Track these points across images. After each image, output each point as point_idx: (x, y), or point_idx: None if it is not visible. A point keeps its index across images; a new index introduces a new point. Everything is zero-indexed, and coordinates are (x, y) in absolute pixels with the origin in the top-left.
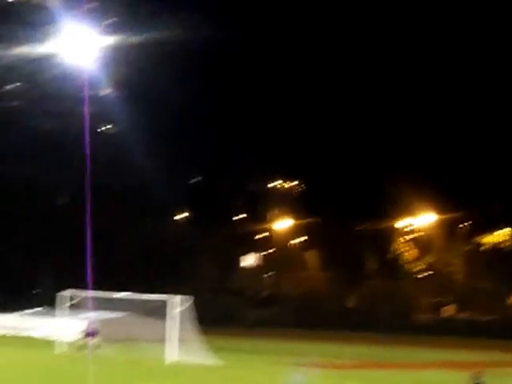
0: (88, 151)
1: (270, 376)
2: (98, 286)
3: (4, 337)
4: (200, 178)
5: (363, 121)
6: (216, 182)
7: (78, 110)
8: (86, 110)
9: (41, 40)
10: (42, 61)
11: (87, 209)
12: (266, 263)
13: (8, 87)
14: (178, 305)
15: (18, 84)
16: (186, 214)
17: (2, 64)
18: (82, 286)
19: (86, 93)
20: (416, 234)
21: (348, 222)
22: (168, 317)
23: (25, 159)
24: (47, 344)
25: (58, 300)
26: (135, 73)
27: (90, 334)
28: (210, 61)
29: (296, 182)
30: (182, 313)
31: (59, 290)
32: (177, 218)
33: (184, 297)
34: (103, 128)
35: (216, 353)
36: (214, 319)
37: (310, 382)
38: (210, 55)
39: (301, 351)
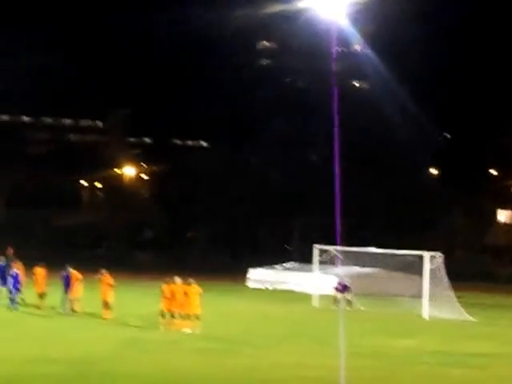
0: (336, 108)
1: None
2: (346, 244)
3: (260, 290)
4: (450, 135)
5: None
6: (467, 137)
7: (329, 66)
8: (335, 66)
9: None
10: (293, 18)
11: (335, 167)
12: None
13: (260, 45)
14: (431, 261)
15: (269, 43)
16: (437, 171)
17: (254, 23)
18: (332, 243)
19: (336, 49)
20: None
21: None
22: (422, 272)
23: (277, 116)
24: (303, 298)
25: (313, 255)
26: (385, 29)
27: (341, 288)
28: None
29: None
30: (434, 269)
31: (309, 247)
32: (428, 174)
33: (436, 253)
34: (354, 84)
35: (469, 309)
36: (468, 275)
37: None
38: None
39: None
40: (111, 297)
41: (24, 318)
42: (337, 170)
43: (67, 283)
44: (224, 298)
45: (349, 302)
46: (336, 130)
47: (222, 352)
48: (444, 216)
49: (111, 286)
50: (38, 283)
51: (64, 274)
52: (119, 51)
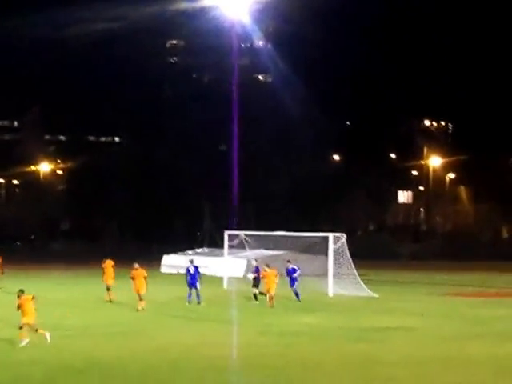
0: (236, 100)
1: (423, 306)
2: (255, 227)
3: (175, 275)
4: (352, 121)
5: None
6: (369, 123)
7: (233, 61)
8: (237, 61)
9: None
10: (199, 15)
11: (235, 154)
12: (419, 199)
13: (168, 43)
14: (334, 241)
15: (176, 41)
16: (340, 157)
17: (162, 21)
18: (240, 227)
19: (237, 45)
20: None
21: (500, 156)
22: (327, 253)
23: (187, 109)
24: (215, 281)
25: (224, 240)
26: (285, 25)
27: (252, 270)
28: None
29: (445, 122)
30: (338, 248)
31: (218, 232)
32: (332, 160)
33: (340, 234)
34: (258, 78)
35: (372, 286)
36: (370, 254)
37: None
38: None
39: (453, 282)
40: (144, 289)
41: None
42: (235, 158)
43: None
44: None
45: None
46: (235, 120)
47: (129, 334)
48: (346, 198)
49: (145, 278)
50: None
51: None
52: (30, 50)
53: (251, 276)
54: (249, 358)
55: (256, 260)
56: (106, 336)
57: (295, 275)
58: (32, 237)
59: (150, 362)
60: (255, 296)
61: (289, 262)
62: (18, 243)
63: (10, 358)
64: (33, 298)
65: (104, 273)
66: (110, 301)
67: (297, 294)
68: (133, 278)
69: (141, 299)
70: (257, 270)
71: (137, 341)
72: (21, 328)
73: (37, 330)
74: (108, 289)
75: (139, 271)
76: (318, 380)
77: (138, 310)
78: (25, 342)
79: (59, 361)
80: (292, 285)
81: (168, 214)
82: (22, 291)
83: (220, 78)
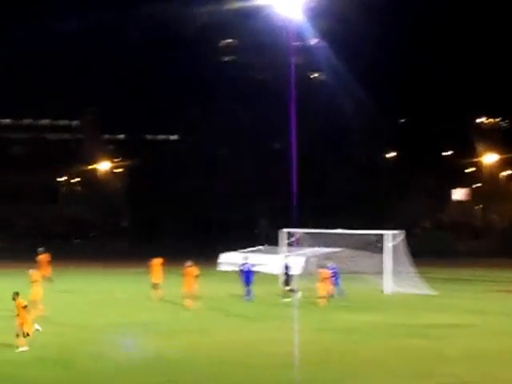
0: (293, 98)
1: (483, 303)
2: (312, 226)
3: (231, 273)
4: (406, 119)
5: None
6: (423, 121)
7: (287, 60)
8: (292, 59)
9: None
10: (252, 14)
11: (293, 152)
12: (475, 196)
13: (221, 42)
14: (392, 239)
15: (230, 39)
16: (394, 155)
17: (216, 19)
18: (297, 226)
19: (291, 43)
20: None
21: None
22: (384, 250)
23: (241, 108)
24: (271, 278)
25: (279, 237)
26: (339, 23)
27: (308, 268)
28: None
29: (499, 118)
30: (396, 246)
31: (275, 231)
32: (385, 158)
33: (397, 231)
34: (311, 76)
35: (429, 284)
36: (427, 252)
37: None
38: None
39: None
40: (194, 287)
41: None
42: (294, 156)
43: None
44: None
45: (289, 292)
46: (293, 119)
47: (190, 331)
48: (402, 196)
49: (197, 276)
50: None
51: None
52: (89, 50)
53: (283, 276)
54: (308, 355)
55: (311, 258)
56: (168, 333)
57: (334, 273)
58: (92, 234)
59: (213, 358)
60: (291, 291)
61: (328, 259)
62: (78, 241)
63: (76, 353)
64: (25, 307)
65: (152, 271)
66: (158, 299)
67: (336, 292)
68: (184, 276)
69: (190, 297)
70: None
71: (198, 338)
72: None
73: (17, 336)
74: (155, 287)
75: (191, 269)
76: (379, 376)
77: (186, 307)
78: (23, 348)
79: (126, 357)
80: (336, 283)
81: (225, 212)
82: (17, 294)
83: (273, 76)
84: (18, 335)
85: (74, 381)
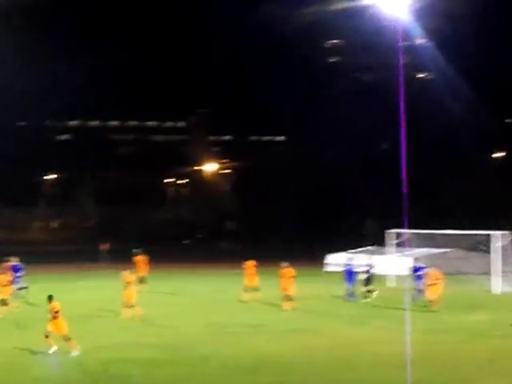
0: (403, 99)
1: None
2: (422, 226)
3: (338, 273)
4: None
5: None
6: None
7: (394, 60)
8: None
9: None
10: (357, 14)
11: (403, 153)
12: None
13: (327, 43)
14: (500, 239)
15: (336, 40)
16: (504, 154)
17: (321, 20)
18: (408, 226)
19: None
20: None
21: None
22: (492, 250)
23: (348, 109)
24: (378, 279)
25: (386, 238)
26: (446, 23)
27: (416, 269)
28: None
29: None
30: (505, 246)
31: (384, 231)
32: (495, 158)
33: (506, 232)
34: (418, 76)
35: None
36: None
37: None
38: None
39: None
40: (292, 289)
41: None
42: (404, 157)
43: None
44: (302, 281)
45: (367, 292)
46: (402, 118)
47: (298, 332)
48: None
49: (293, 277)
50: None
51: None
52: (195, 53)
53: (364, 276)
54: (420, 355)
55: (417, 259)
56: (276, 334)
57: (420, 273)
58: (199, 236)
59: (322, 359)
60: (369, 292)
61: (417, 259)
62: (187, 242)
63: (183, 354)
64: (57, 312)
65: (246, 274)
66: (252, 301)
67: (419, 291)
68: (281, 277)
69: (288, 299)
70: (416, 270)
71: (305, 339)
72: (47, 336)
73: (47, 337)
74: (246, 290)
75: (287, 270)
76: (491, 378)
77: (284, 309)
78: (53, 349)
79: (232, 358)
80: (418, 283)
81: (333, 212)
82: (50, 297)
83: (380, 77)
84: (66, 339)
85: (182, 380)
